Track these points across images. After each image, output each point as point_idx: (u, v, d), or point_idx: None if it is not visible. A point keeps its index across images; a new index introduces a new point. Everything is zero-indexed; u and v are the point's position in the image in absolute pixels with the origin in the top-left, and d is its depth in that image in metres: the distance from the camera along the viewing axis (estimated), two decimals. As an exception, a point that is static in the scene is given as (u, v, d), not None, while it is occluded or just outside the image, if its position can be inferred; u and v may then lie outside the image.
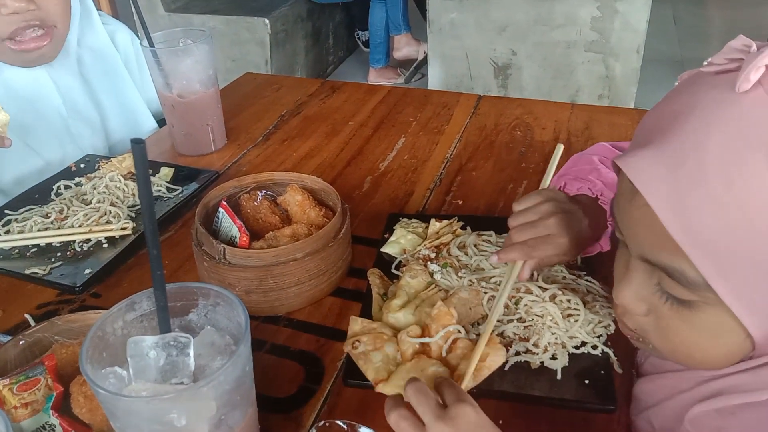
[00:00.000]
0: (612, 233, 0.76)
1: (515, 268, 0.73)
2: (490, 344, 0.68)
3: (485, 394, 0.67)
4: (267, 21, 2.99)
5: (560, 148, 0.77)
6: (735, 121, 0.45)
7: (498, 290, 0.76)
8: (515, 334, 0.73)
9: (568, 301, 0.75)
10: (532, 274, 0.79)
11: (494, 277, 0.79)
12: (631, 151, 0.50)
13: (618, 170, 0.53)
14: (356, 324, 0.73)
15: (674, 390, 0.60)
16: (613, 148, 0.83)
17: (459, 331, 0.71)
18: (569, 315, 0.74)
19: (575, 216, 0.74)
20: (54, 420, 0.60)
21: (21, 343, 0.67)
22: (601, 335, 0.72)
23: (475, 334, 0.73)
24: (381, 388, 0.67)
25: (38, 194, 1.04)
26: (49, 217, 0.97)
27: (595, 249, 0.78)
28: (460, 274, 0.80)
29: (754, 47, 0.46)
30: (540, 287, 0.77)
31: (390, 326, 0.74)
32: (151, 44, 1.09)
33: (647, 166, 0.48)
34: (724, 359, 0.53)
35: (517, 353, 0.71)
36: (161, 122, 1.33)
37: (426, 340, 0.70)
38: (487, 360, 0.67)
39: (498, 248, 0.84)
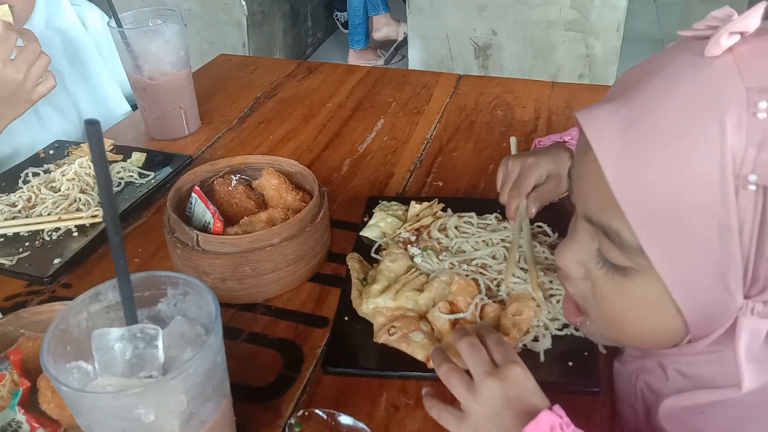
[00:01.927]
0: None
1: (521, 213, 0.77)
2: (521, 300, 0.71)
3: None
4: (243, 2, 2.92)
5: (514, 141, 0.84)
6: (698, 86, 0.43)
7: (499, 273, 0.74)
8: (496, 316, 0.71)
9: (551, 282, 0.73)
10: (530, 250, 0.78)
11: (476, 259, 0.78)
12: (593, 105, 0.49)
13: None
14: (381, 316, 0.72)
15: (642, 372, 0.59)
16: None
17: (482, 299, 0.72)
18: (551, 296, 0.73)
19: (538, 149, 0.81)
20: (21, 417, 0.58)
21: (-16, 337, 0.64)
22: (584, 316, 0.71)
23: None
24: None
25: (5, 182, 1.00)
26: (16, 206, 0.94)
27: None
28: (441, 257, 0.79)
29: (736, 16, 0.45)
30: (522, 269, 0.75)
31: (405, 307, 0.73)
32: (119, 24, 1.05)
33: (603, 119, 0.47)
34: (655, 336, 0.52)
35: (500, 336, 0.70)
36: (136, 106, 1.29)
37: (460, 315, 0.70)
38: (523, 314, 0.69)
39: (480, 230, 0.83)
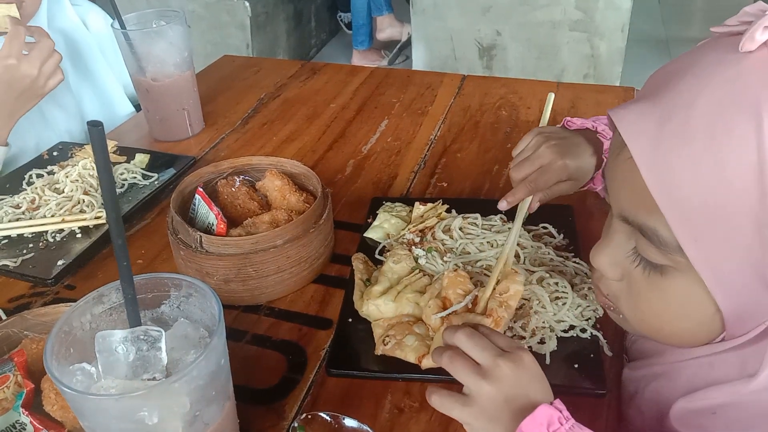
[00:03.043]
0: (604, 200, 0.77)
1: (524, 204, 0.75)
2: (508, 277, 0.69)
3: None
4: (247, 3, 2.93)
5: (551, 97, 0.80)
6: (730, 82, 0.43)
7: (487, 277, 0.74)
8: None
9: (556, 284, 0.73)
10: (517, 255, 0.77)
11: (480, 261, 0.77)
12: (625, 104, 0.49)
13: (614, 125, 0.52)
14: (379, 327, 0.71)
15: (653, 377, 0.59)
16: None
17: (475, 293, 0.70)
18: (557, 298, 0.72)
19: (570, 141, 0.76)
20: (24, 418, 0.58)
21: (-12, 339, 0.64)
22: (589, 318, 0.70)
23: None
24: (426, 363, 0.65)
25: (9, 183, 1.00)
26: (20, 207, 0.94)
27: (586, 185, 0.80)
28: (445, 258, 0.78)
29: None
30: (527, 270, 0.75)
31: (404, 313, 0.72)
32: (123, 26, 1.05)
33: (636, 119, 0.46)
34: (692, 335, 0.52)
35: (505, 338, 0.69)
36: (139, 107, 1.29)
37: (453, 309, 0.68)
38: (510, 290, 0.68)
39: (484, 231, 0.82)
